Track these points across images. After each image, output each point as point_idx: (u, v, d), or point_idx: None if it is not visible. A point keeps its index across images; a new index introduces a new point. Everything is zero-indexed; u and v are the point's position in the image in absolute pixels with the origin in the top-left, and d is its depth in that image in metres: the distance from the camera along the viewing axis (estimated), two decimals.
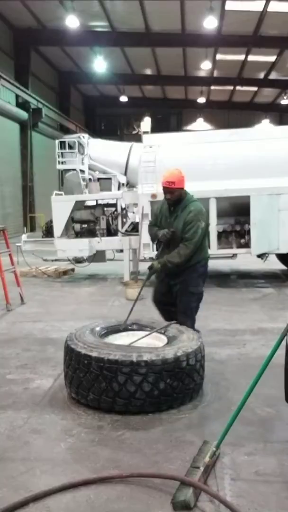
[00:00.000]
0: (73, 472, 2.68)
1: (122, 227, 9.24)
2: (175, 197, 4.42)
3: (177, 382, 3.35)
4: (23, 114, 21.20)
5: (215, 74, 27.75)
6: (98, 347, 3.45)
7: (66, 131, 25.53)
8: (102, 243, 9.09)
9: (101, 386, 3.29)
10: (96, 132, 33.31)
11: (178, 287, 4.42)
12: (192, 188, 8.07)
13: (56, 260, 9.94)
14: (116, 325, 4.20)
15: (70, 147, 9.85)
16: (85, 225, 9.38)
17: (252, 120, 33.13)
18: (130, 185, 10.55)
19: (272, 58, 24.29)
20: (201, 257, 4.43)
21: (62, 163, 9.97)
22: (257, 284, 8.52)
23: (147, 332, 4.04)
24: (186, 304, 4.42)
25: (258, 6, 18.13)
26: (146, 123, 27.37)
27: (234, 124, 29.58)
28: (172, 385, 3.33)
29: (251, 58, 24.16)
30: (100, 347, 3.45)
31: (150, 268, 4.46)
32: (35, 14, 19.90)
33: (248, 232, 8.18)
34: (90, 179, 10.29)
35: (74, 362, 3.45)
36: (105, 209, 9.55)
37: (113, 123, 37.09)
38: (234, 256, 8.77)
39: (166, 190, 4.41)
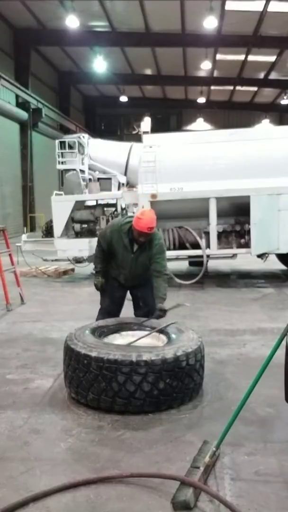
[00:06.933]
0: (73, 472, 2.68)
1: None
2: (148, 239, 4.27)
3: (177, 382, 3.35)
4: (23, 114, 21.22)
5: (215, 74, 27.77)
6: (97, 347, 3.44)
7: (66, 131, 25.56)
8: None
9: (100, 386, 3.29)
10: (96, 132, 33.31)
11: (140, 292, 4.61)
12: (192, 188, 8.24)
13: (56, 260, 9.93)
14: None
15: (70, 147, 9.85)
16: (85, 225, 9.38)
17: (252, 120, 33.20)
18: (130, 185, 10.56)
19: (272, 58, 24.30)
20: None
21: (62, 163, 9.97)
22: (257, 284, 8.51)
23: (146, 332, 4.04)
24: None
25: (258, 6, 18.16)
26: (146, 123, 27.39)
27: (234, 124, 29.68)
28: (172, 385, 3.33)
29: (251, 58, 24.18)
30: (100, 347, 3.45)
31: (164, 311, 4.21)
32: (35, 14, 19.92)
33: (248, 232, 8.19)
34: (90, 179, 10.29)
35: (73, 362, 3.44)
36: (105, 209, 9.55)
37: (113, 123, 37.11)
38: (234, 256, 8.77)
39: (145, 235, 4.19)
